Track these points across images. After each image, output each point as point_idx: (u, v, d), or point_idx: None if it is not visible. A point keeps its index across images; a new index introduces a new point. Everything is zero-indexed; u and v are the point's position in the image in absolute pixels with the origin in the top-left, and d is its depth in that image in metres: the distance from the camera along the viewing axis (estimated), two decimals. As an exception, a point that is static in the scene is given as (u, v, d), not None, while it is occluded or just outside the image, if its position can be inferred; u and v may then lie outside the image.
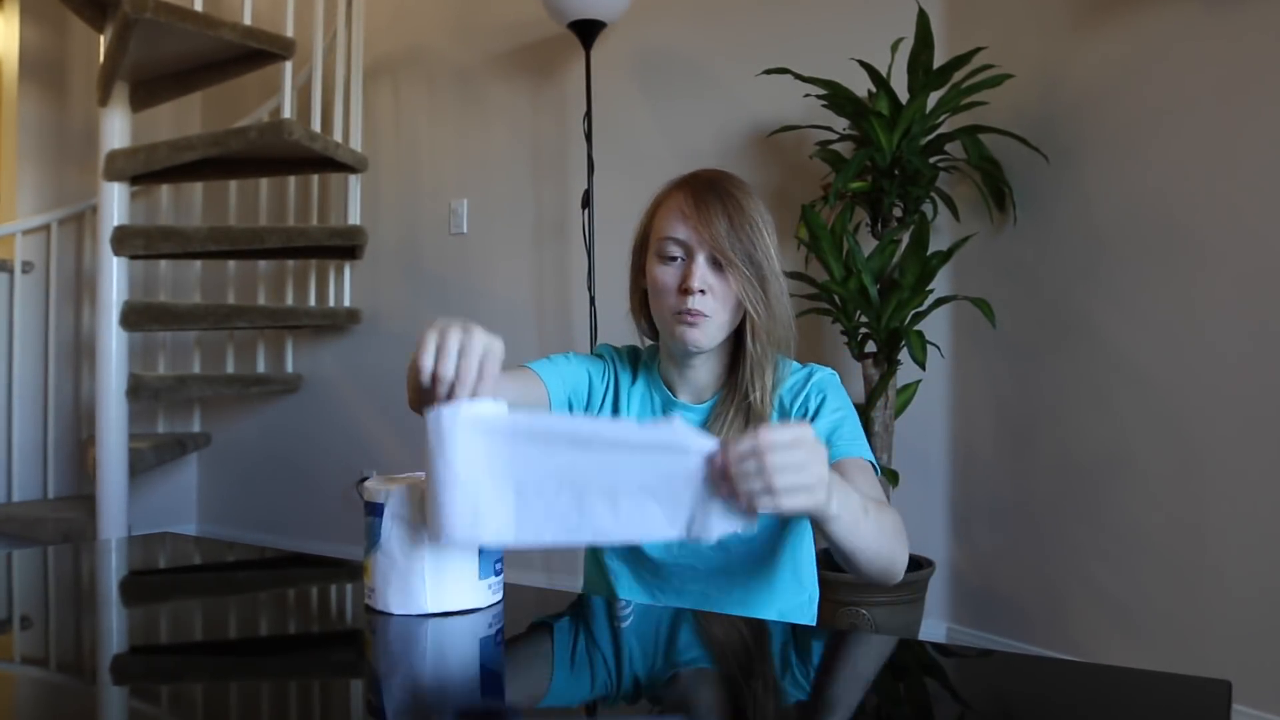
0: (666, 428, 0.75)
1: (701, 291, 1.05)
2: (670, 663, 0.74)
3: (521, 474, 0.74)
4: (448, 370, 0.79)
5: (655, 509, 0.74)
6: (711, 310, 1.06)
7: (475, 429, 0.74)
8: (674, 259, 1.08)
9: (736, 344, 1.11)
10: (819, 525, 0.85)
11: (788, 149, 2.58)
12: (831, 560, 2.50)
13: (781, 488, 0.73)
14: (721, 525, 0.75)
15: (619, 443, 0.75)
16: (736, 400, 1.10)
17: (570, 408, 1.15)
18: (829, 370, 1.14)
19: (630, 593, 1.13)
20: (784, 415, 1.11)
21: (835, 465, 1.02)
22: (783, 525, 1.11)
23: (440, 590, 0.79)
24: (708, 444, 0.75)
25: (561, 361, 1.16)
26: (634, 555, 1.12)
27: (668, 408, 1.15)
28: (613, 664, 0.73)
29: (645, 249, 1.14)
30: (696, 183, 1.10)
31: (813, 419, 1.09)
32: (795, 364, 1.14)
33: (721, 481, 0.74)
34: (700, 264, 1.05)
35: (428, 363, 0.80)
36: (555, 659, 0.75)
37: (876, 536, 0.90)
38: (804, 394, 1.11)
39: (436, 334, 0.80)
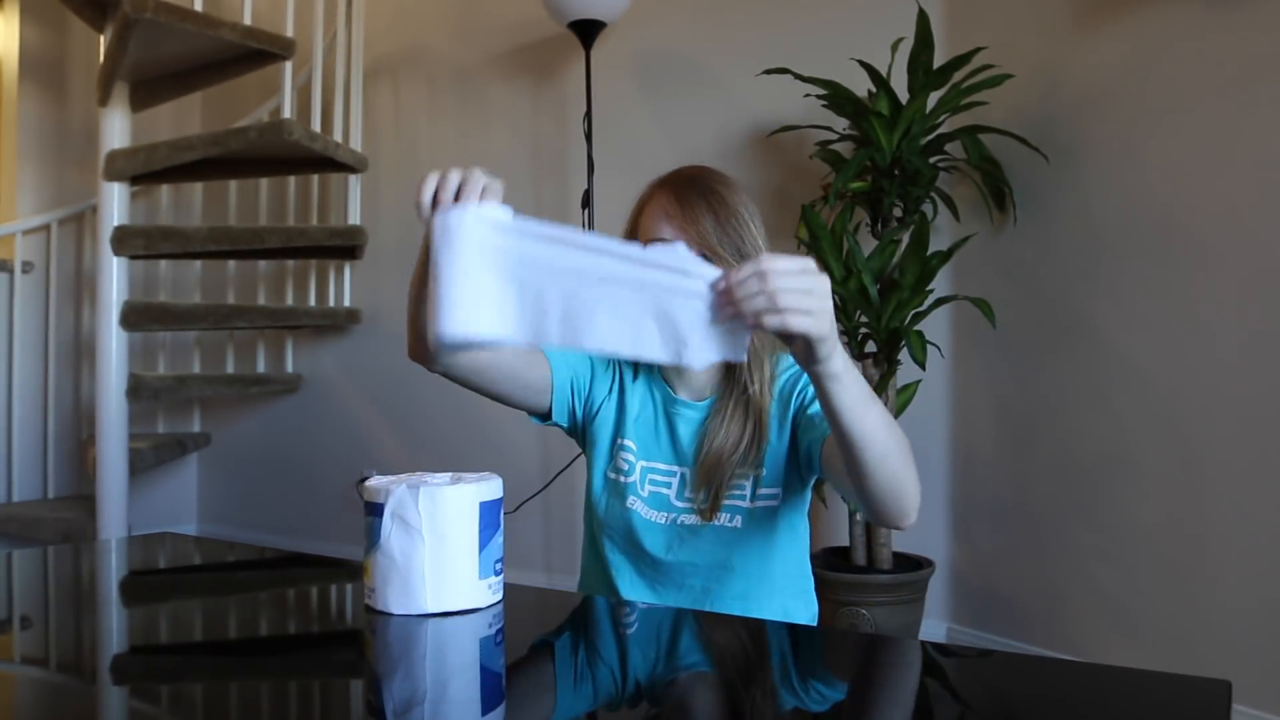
0: (672, 252, 0.75)
1: None
2: (670, 666, 0.74)
3: (525, 273, 0.73)
4: (448, 195, 0.80)
5: (652, 329, 0.74)
6: None
7: (480, 226, 0.74)
8: None
9: None
10: (823, 388, 0.82)
11: (788, 149, 2.58)
12: (831, 560, 2.48)
13: (786, 306, 0.73)
14: (712, 352, 0.75)
15: (625, 256, 0.75)
16: (735, 395, 1.10)
17: (572, 391, 1.14)
18: None
19: (631, 588, 1.13)
20: (783, 406, 1.10)
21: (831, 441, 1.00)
22: (781, 521, 1.11)
23: (440, 590, 0.79)
24: (712, 271, 0.76)
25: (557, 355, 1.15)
26: (634, 550, 1.12)
27: (668, 405, 1.14)
28: (617, 670, 0.73)
29: None
30: (677, 181, 1.09)
31: (803, 405, 1.08)
32: (791, 357, 1.13)
33: (725, 305, 0.74)
34: None
35: (427, 195, 0.81)
36: (557, 670, 0.75)
37: (887, 430, 0.85)
38: (800, 381, 1.09)
39: (435, 174, 0.82)
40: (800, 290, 0.73)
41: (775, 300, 0.73)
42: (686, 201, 1.05)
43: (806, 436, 1.06)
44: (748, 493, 1.08)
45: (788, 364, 1.12)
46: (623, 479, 1.12)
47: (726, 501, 1.08)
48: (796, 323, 0.74)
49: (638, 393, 1.16)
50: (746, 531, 1.08)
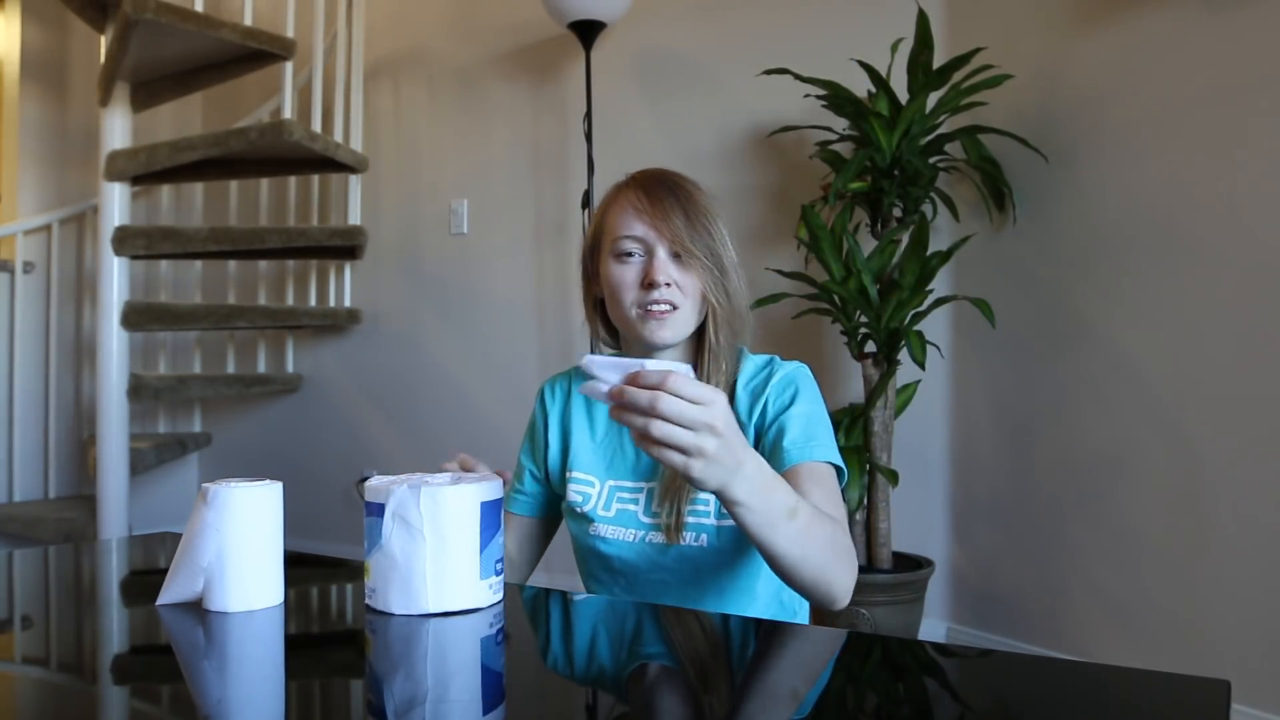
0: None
1: (667, 284, 1.03)
2: (668, 665, 0.74)
3: None
4: None
5: None
6: (678, 302, 1.04)
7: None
8: (631, 256, 1.06)
9: (698, 343, 1.09)
10: (727, 509, 0.79)
11: (788, 149, 2.58)
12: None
13: (660, 437, 0.69)
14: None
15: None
16: None
17: (547, 479, 1.18)
18: (797, 365, 1.09)
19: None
20: (750, 407, 1.07)
21: (788, 473, 0.98)
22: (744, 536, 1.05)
23: (440, 590, 0.80)
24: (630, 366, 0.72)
25: (521, 461, 1.22)
26: (608, 574, 1.10)
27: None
28: (619, 669, 0.73)
29: (597, 253, 1.11)
30: (645, 179, 1.08)
31: (766, 414, 1.05)
32: (758, 356, 1.11)
33: (615, 410, 0.71)
34: (662, 257, 1.04)
35: None
36: (558, 670, 0.75)
37: (802, 540, 0.83)
38: (766, 387, 1.06)
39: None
40: (685, 424, 0.69)
41: (648, 428, 0.69)
42: (657, 198, 1.05)
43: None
44: (712, 510, 1.04)
45: (749, 365, 1.10)
46: (580, 508, 1.11)
47: (690, 520, 1.04)
48: (670, 459, 0.70)
49: (598, 417, 1.15)
50: (717, 550, 1.04)
